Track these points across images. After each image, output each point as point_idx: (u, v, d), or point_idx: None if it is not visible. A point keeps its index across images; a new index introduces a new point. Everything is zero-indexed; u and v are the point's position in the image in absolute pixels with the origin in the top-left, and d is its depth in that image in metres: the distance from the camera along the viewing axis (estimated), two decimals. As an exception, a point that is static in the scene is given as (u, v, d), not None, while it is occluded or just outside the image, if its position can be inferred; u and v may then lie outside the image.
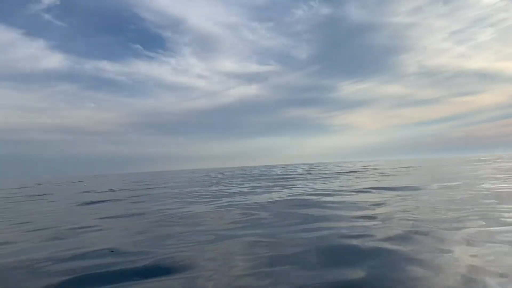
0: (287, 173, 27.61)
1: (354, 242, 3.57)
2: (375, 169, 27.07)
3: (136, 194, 12.57)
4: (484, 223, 4.21)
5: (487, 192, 7.21)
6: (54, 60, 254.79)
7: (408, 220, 4.65)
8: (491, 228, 3.91)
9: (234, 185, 15.27)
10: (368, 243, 3.49)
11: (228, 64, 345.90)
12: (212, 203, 8.10)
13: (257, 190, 11.43)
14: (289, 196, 8.73)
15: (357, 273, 2.65)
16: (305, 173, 25.48)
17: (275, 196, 8.81)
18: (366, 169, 26.71)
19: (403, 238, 3.66)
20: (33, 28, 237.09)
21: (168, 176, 41.32)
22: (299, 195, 8.79)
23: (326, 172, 25.11)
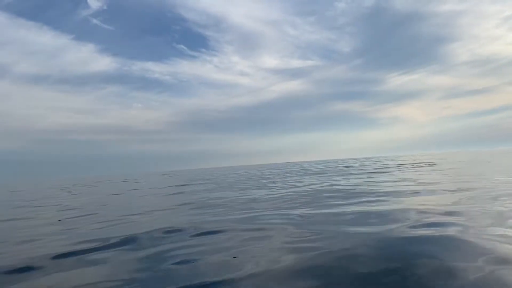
0: (367, 167, 26.40)
1: None
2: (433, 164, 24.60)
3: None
4: None
5: None
6: (103, 63, 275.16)
7: None
8: None
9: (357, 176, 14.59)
10: None
11: (271, 60, 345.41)
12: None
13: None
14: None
15: None
16: (386, 166, 24.00)
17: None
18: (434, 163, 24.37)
19: None
20: (82, 33, 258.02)
21: (225, 172, 41.92)
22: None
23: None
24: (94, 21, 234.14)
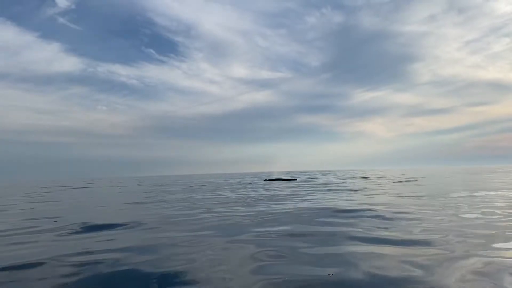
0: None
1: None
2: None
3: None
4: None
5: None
6: (68, 63, 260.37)
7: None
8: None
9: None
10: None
11: (240, 70, 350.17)
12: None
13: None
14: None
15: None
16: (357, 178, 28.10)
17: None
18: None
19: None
20: (48, 31, 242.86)
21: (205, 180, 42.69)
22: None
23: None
24: (61, 20, 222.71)
